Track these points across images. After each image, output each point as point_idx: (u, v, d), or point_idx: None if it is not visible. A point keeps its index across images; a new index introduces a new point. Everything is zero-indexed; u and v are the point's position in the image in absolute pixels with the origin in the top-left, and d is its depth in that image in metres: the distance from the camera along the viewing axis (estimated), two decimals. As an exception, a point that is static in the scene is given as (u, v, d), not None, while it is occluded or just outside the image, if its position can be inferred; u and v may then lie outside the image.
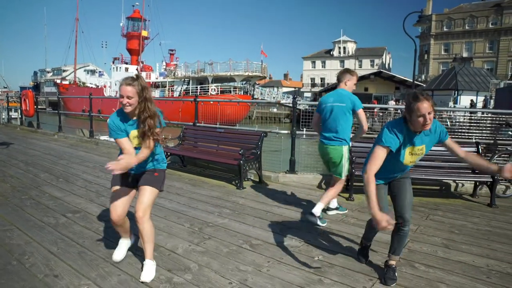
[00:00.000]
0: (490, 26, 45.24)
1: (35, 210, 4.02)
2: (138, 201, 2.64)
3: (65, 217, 3.82)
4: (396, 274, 2.62)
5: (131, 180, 2.74)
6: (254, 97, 33.61)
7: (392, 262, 2.67)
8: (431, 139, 2.54)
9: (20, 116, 14.06)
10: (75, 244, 3.14)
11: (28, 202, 4.28)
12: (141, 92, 2.52)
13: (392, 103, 27.73)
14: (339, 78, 3.87)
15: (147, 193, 2.63)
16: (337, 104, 3.74)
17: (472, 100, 23.83)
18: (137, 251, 3.01)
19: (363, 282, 2.61)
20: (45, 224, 3.60)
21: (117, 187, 2.70)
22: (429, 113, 2.31)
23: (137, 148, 2.60)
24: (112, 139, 2.76)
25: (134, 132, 2.62)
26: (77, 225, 3.60)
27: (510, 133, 6.72)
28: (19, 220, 3.68)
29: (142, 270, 2.61)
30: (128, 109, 2.52)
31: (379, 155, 2.44)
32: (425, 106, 2.29)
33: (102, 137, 13.14)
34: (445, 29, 48.43)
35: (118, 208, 2.66)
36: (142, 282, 2.54)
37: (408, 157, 2.52)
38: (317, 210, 3.60)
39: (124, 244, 2.89)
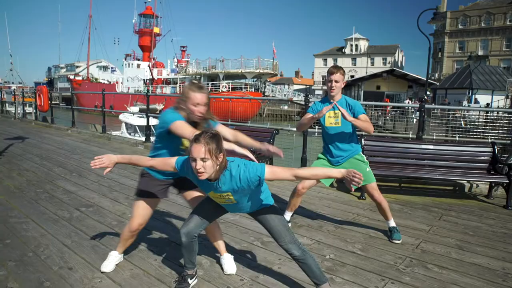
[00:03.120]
0: (508, 23, 44.24)
1: (50, 203, 4.09)
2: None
3: (78, 211, 3.88)
4: None
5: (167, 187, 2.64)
6: (265, 94, 33.58)
7: None
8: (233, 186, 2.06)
9: (34, 111, 14.30)
10: (88, 238, 3.19)
11: (43, 196, 4.36)
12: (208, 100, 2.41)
13: (409, 102, 27.37)
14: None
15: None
16: None
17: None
18: (150, 246, 3.05)
19: (375, 282, 2.59)
20: (60, 218, 3.66)
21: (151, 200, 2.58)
22: (202, 159, 1.92)
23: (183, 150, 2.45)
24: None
25: None
26: (90, 219, 3.66)
27: (527, 133, 6.58)
28: (34, 213, 3.75)
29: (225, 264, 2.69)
30: (200, 119, 2.40)
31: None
32: (195, 149, 1.92)
33: (114, 133, 13.30)
34: (460, 27, 47.57)
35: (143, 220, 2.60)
36: (227, 275, 2.62)
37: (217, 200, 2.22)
38: (392, 225, 3.43)
39: (115, 256, 2.69)
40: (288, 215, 3.60)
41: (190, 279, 2.44)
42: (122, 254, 2.77)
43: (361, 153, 3.43)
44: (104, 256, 2.83)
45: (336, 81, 3.20)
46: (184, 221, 2.37)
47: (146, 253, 2.94)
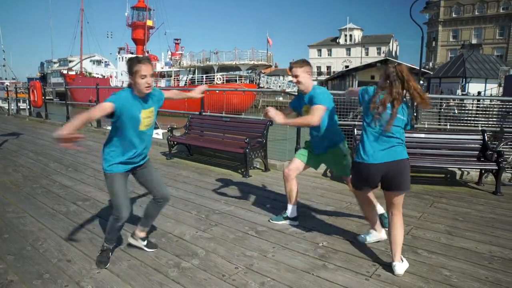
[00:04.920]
0: (501, 11, 44.28)
1: (47, 198, 4.13)
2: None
3: (75, 205, 3.92)
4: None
5: None
6: (260, 86, 33.48)
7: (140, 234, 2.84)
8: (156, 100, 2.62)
9: (28, 107, 14.22)
10: (85, 231, 3.24)
11: (40, 191, 4.39)
12: None
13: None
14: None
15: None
16: None
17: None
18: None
19: (366, 267, 2.67)
20: (57, 212, 3.70)
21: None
22: (151, 75, 2.43)
23: None
24: None
25: None
26: (87, 212, 3.70)
27: (517, 120, 6.68)
28: (32, 208, 3.78)
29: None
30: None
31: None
32: (144, 68, 2.39)
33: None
34: (454, 15, 47.57)
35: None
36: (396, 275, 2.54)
37: (144, 121, 2.54)
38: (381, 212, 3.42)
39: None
40: (290, 209, 3.47)
41: (111, 253, 2.75)
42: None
43: (341, 145, 3.35)
44: (102, 248, 2.88)
45: (296, 76, 3.23)
46: (121, 207, 2.53)
47: (143, 244, 2.99)
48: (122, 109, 2.39)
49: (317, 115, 3.06)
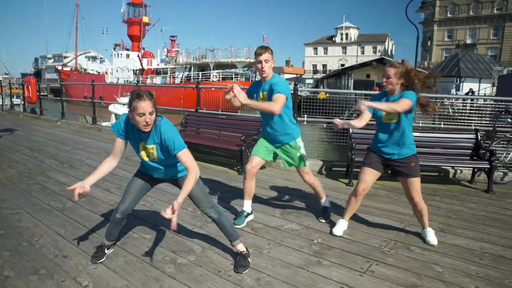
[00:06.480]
0: (495, 11, 44.60)
1: (42, 194, 4.12)
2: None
3: (71, 201, 3.92)
4: (249, 259, 2.63)
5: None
6: (256, 84, 33.44)
7: (239, 248, 2.66)
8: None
9: (22, 102, 14.10)
10: (82, 227, 3.25)
11: (35, 187, 4.39)
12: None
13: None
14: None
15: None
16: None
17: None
18: (143, 234, 3.12)
19: (361, 264, 2.71)
20: (52, 208, 3.70)
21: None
22: (150, 113, 2.19)
23: None
24: None
25: None
26: (83, 209, 3.71)
27: (509, 120, 6.75)
28: (27, 204, 3.78)
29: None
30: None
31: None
32: (143, 105, 2.15)
33: (105, 124, 13.21)
34: (449, 15, 47.82)
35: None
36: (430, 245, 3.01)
37: (142, 153, 2.44)
38: (326, 204, 3.67)
39: (343, 223, 3.30)
40: (249, 205, 3.46)
41: (107, 250, 2.71)
42: (347, 222, 3.30)
43: (298, 140, 3.36)
44: (98, 244, 2.90)
45: (266, 61, 3.09)
46: (120, 200, 2.62)
47: (139, 240, 3.02)
48: (123, 132, 2.41)
49: (280, 103, 2.98)
